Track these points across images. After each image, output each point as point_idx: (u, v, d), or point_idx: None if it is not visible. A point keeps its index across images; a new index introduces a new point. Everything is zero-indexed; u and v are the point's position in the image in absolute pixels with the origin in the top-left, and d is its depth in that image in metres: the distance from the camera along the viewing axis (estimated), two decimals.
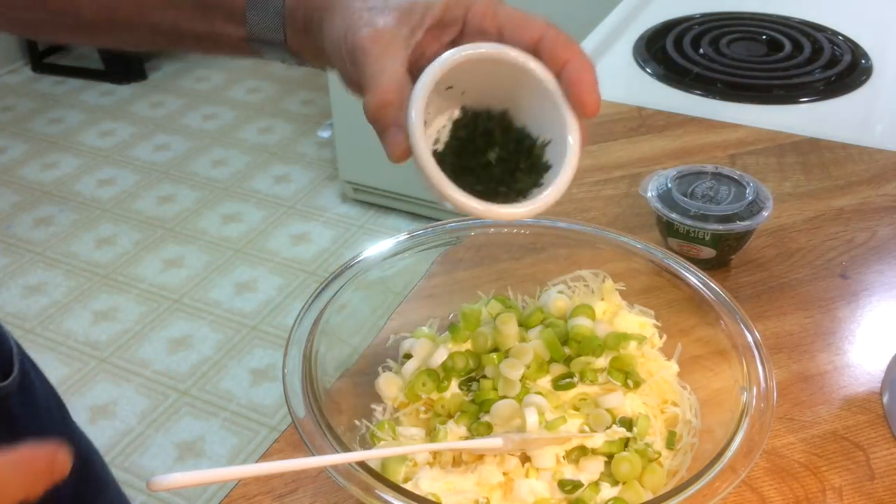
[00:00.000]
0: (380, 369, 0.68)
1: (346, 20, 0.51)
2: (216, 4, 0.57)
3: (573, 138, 0.51)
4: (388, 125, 0.50)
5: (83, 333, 2.29)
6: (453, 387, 0.64)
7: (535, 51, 0.51)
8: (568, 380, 0.63)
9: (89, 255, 2.59)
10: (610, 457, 0.59)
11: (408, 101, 0.49)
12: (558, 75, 0.51)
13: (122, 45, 0.64)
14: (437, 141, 0.53)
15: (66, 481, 0.36)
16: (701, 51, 1.27)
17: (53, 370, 2.17)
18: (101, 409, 2.07)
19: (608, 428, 0.60)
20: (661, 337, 0.69)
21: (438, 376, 0.64)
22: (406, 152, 0.50)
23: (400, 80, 0.50)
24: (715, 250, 0.81)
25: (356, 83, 0.52)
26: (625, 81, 1.23)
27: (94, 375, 2.16)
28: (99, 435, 2.00)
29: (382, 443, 0.60)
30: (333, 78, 2.46)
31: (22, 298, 2.42)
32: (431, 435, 0.61)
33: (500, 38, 0.51)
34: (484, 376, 0.64)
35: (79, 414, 2.04)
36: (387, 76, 0.49)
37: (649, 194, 0.83)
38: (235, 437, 2.00)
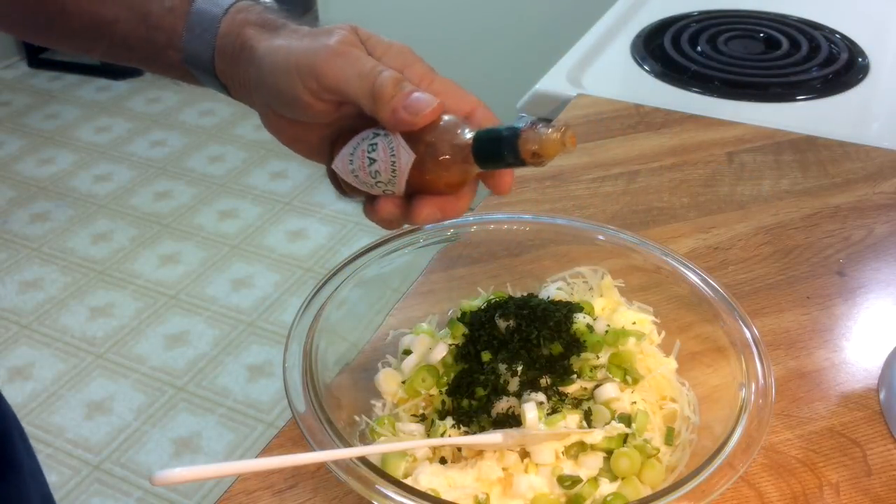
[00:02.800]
0: (379, 365, 0.68)
1: (290, 42, 0.53)
2: (158, 26, 0.58)
3: None
4: (411, 89, 0.51)
5: (79, 329, 2.29)
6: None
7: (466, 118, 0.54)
8: (558, 411, 0.62)
9: (85, 251, 2.58)
10: (609, 453, 0.59)
11: None
12: None
13: (84, 52, 0.65)
14: None
15: None
16: (699, 48, 1.27)
17: (50, 366, 2.17)
18: (97, 404, 2.07)
19: (607, 424, 0.60)
20: (659, 333, 0.69)
21: (438, 372, 0.64)
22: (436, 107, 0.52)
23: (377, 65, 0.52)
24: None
25: (286, 107, 0.54)
26: (622, 79, 1.23)
27: (90, 371, 2.16)
28: (95, 431, 2.01)
29: (382, 438, 0.61)
30: None
31: (18, 294, 2.41)
32: (431, 430, 0.61)
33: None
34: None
35: (75, 410, 2.05)
36: (380, 65, 0.52)
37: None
38: (232, 433, 2.00)
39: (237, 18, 0.56)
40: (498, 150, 0.51)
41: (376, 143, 0.54)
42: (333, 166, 0.57)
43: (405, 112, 0.51)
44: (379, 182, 0.55)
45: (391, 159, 0.54)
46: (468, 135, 0.52)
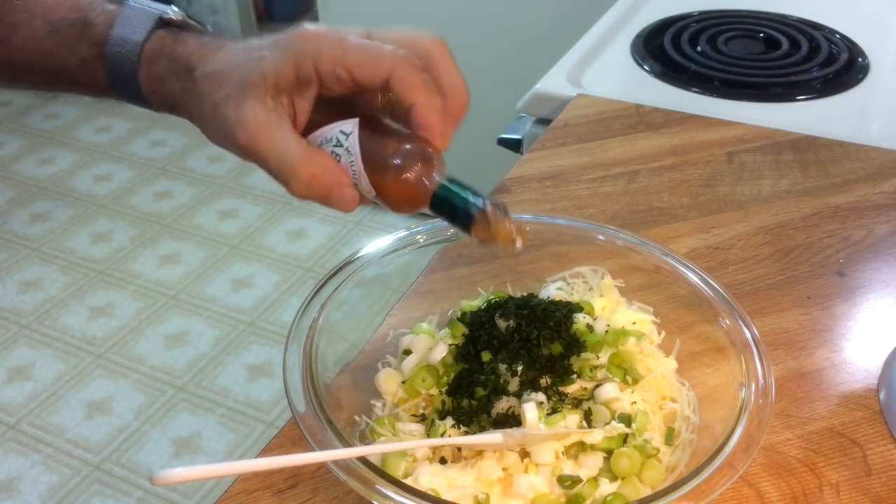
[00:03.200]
0: (379, 365, 0.68)
1: (211, 95, 0.51)
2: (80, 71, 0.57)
3: None
4: (331, 189, 0.51)
5: (79, 329, 2.29)
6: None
7: (385, 86, 0.50)
8: (558, 411, 0.62)
9: (85, 251, 2.58)
10: (609, 452, 0.59)
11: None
12: (406, 120, 0.51)
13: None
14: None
15: None
16: (698, 48, 1.27)
17: (50, 366, 2.17)
18: (97, 405, 2.07)
19: (607, 424, 0.60)
20: (659, 333, 0.69)
21: (438, 372, 0.64)
22: (357, 199, 0.52)
23: (306, 148, 0.51)
24: None
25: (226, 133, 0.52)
26: (622, 79, 1.23)
27: (90, 371, 2.16)
28: (95, 431, 2.01)
29: (382, 438, 0.61)
30: None
31: (18, 294, 2.41)
32: (431, 430, 0.61)
33: (353, 81, 0.50)
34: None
35: (75, 410, 2.05)
36: (293, 152, 0.50)
37: None
38: (232, 433, 2.00)
39: (155, 46, 0.55)
40: (452, 218, 0.51)
41: (337, 138, 0.53)
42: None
43: (334, 208, 0.52)
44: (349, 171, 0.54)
45: (349, 160, 0.52)
46: (433, 179, 0.51)
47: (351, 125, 0.52)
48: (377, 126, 0.53)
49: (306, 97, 0.51)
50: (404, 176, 0.51)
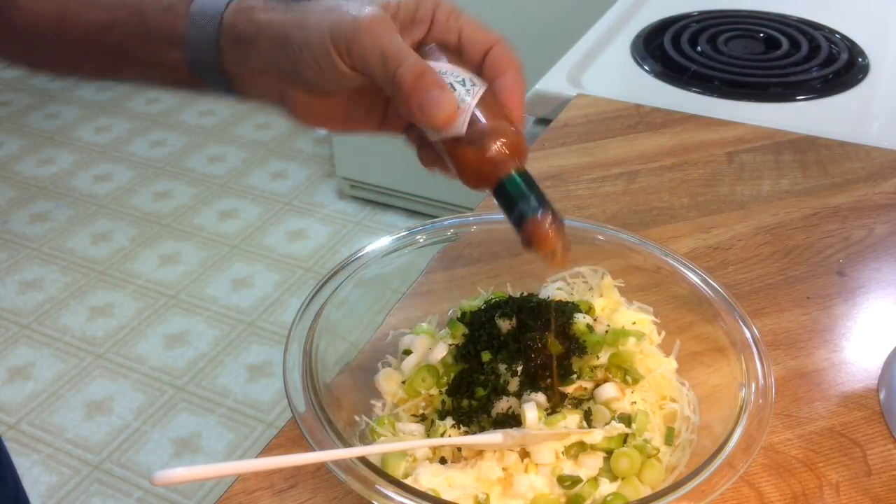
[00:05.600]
0: (379, 365, 0.68)
1: (323, 18, 0.52)
2: (155, 25, 0.57)
3: None
4: (436, 85, 0.51)
5: (79, 329, 2.29)
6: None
7: (483, 57, 0.54)
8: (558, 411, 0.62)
9: (85, 251, 2.58)
10: (609, 453, 0.59)
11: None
12: (492, 81, 0.54)
13: (77, 71, 0.64)
14: None
15: None
16: (698, 48, 1.27)
17: (50, 366, 2.17)
18: (97, 405, 2.07)
19: (607, 424, 0.60)
20: (659, 333, 0.69)
21: (438, 372, 0.64)
22: (455, 113, 0.51)
23: (417, 55, 0.52)
24: None
25: (319, 79, 0.53)
26: (622, 79, 1.23)
27: (90, 371, 2.16)
28: (95, 431, 2.01)
29: (382, 438, 0.61)
30: None
31: (18, 294, 2.41)
32: (431, 430, 0.61)
33: (459, 40, 0.55)
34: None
35: (75, 410, 2.04)
36: (406, 51, 0.51)
37: None
38: (232, 433, 2.00)
39: (243, 6, 0.55)
40: (508, 210, 0.52)
41: (463, 79, 0.53)
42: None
43: (420, 112, 0.50)
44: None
45: (466, 94, 0.52)
46: (510, 165, 0.52)
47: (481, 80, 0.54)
48: (489, 99, 0.54)
49: (411, 37, 0.54)
50: (492, 148, 0.51)
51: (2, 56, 0.64)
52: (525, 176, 0.52)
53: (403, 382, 0.65)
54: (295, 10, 0.54)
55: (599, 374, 0.64)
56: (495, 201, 0.53)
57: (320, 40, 0.51)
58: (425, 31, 0.54)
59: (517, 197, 0.51)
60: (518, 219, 0.51)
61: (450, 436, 0.59)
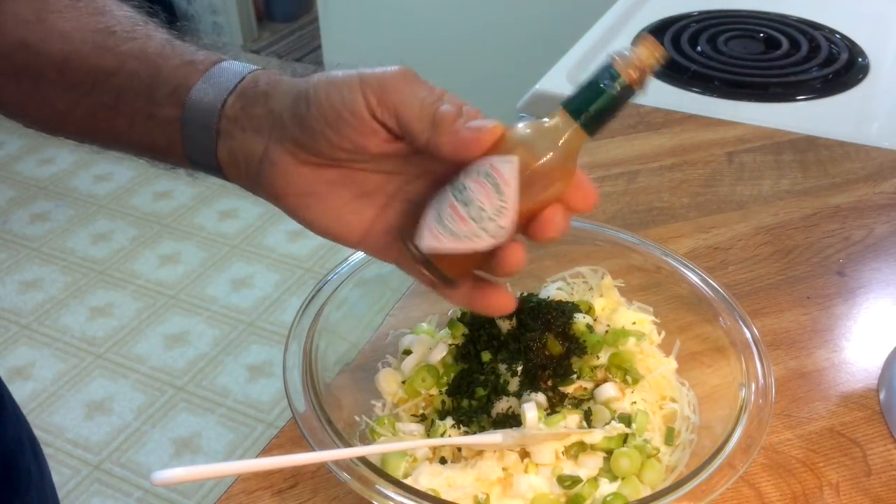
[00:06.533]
0: (379, 365, 0.68)
1: (350, 71, 0.49)
2: (168, 75, 0.53)
3: None
4: (478, 114, 0.48)
5: (80, 329, 2.29)
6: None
7: None
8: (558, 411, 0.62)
9: (85, 251, 2.58)
10: (609, 453, 0.59)
11: None
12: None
13: (64, 119, 0.58)
14: None
15: None
16: (699, 48, 1.27)
17: (50, 366, 2.17)
18: (97, 404, 2.07)
19: (607, 424, 0.60)
20: (659, 333, 0.69)
21: (438, 372, 0.64)
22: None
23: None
24: None
25: (335, 126, 0.48)
26: None
27: (90, 371, 2.16)
28: (95, 431, 2.00)
29: (382, 438, 0.61)
30: None
31: (18, 294, 2.41)
32: (431, 430, 0.61)
33: None
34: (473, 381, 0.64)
35: (75, 410, 2.04)
36: (435, 96, 0.49)
37: None
38: (232, 432, 2.00)
39: (272, 71, 0.53)
40: (603, 88, 0.48)
41: (464, 184, 0.48)
42: (421, 245, 0.49)
43: (467, 130, 0.47)
44: (486, 221, 0.48)
45: (491, 180, 0.47)
46: (549, 118, 0.49)
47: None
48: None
49: None
50: (532, 133, 0.49)
51: None
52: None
53: (403, 382, 0.65)
54: (317, 74, 0.51)
55: (599, 374, 0.64)
56: (592, 125, 0.49)
57: (349, 86, 0.48)
58: None
59: (589, 82, 0.48)
60: (611, 74, 0.48)
61: (450, 436, 0.59)
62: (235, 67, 0.53)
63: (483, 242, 0.48)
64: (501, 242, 0.49)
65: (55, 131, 0.59)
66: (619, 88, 0.47)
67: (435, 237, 0.49)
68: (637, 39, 0.49)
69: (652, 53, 0.47)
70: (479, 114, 0.49)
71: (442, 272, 0.50)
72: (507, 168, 0.47)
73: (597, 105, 0.48)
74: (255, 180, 0.53)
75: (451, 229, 0.48)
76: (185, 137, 0.53)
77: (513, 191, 0.47)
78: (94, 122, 0.56)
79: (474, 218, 0.48)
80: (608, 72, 0.47)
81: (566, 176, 0.49)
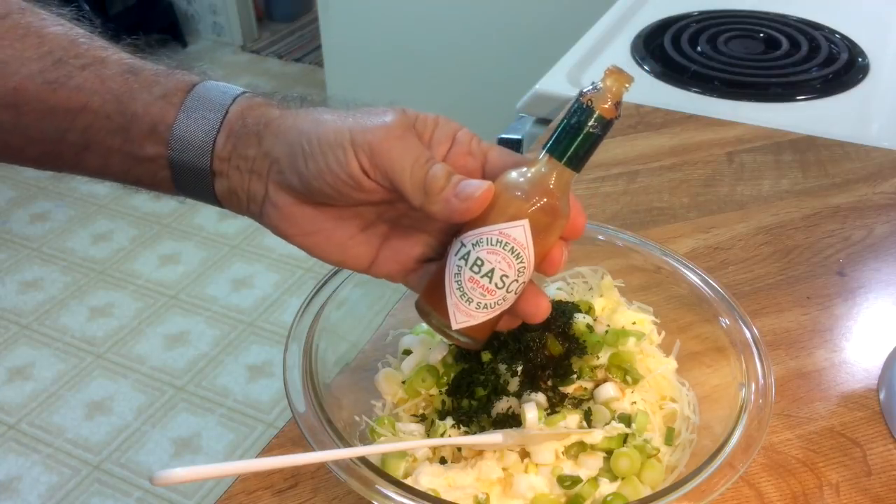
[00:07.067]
0: (379, 365, 0.68)
1: (341, 119, 0.49)
2: (141, 113, 0.50)
3: None
4: (463, 177, 0.49)
5: (80, 329, 2.29)
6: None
7: None
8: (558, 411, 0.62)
9: (85, 251, 2.58)
10: (609, 453, 0.59)
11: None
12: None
13: (23, 158, 0.54)
14: None
15: None
16: (699, 48, 1.27)
17: (50, 366, 2.17)
18: (97, 404, 2.07)
19: (607, 424, 0.60)
20: (659, 333, 0.69)
21: (438, 372, 0.64)
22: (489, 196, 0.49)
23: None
24: None
25: (327, 182, 0.48)
26: None
27: (90, 371, 2.16)
28: (95, 431, 2.00)
29: (382, 438, 0.61)
30: (333, 74, 2.46)
31: (18, 294, 2.41)
32: (431, 430, 0.61)
33: (487, 158, 0.52)
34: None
35: (75, 410, 2.04)
36: (426, 151, 0.49)
37: None
38: (232, 432, 2.00)
39: (254, 102, 0.51)
40: (581, 127, 0.49)
41: (478, 258, 0.50)
42: (456, 327, 0.52)
43: (456, 199, 0.48)
44: (511, 283, 0.51)
45: (507, 247, 0.50)
46: (537, 160, 0.50)
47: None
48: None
49: (433, 154, 0.51)
50: (523, 184, 0.50)
51: None
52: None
53: (403, 382, 0.65)
54: (309, 110, 0.51)
55: (599, 374, 0.64)
56: (575, 161, 0.50)
57: (338, 140, 0.48)
58: (444, 153, 0.51)
59: (564, 124, 0.50)
60: (587, 114, 0.49)
61: (450, 436, 0.59)
62: (211, 94, 0.51)
63: (510, 300, 0.52)
64: (521, 291, 0.52)
65: (14, 163, 0.55)
66: (596, 125, 0.49)
67: (467, 315, 0.52)
68: (604, 72, 0.50)
69: (620, 83, 0.50)
70: (464, 179, 0.49)
71: (474, 339, 0.53)
72: (519, 232, 0.50)
73: (579, 145, 0.50)
74: (259, 218, 0.53)
75: (481, 303, 0.51)
76: (178, 177, 0.52)
77: (530, 250, 0.50)
78: (57, 160, 0.53)
79: (499, 286, 0.50)
80: (583, 110, 0.49)
81: (566, 213, 0.51)
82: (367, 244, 0.54)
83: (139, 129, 0.51)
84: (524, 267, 0.50)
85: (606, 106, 0.49)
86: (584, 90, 0.50)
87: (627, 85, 0.50)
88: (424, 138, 0.51)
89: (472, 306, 0.51)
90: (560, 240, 0.52)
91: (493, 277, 0.50)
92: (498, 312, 0.52)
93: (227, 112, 0.51)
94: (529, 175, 0.50)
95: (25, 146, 0.53)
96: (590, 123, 0.49)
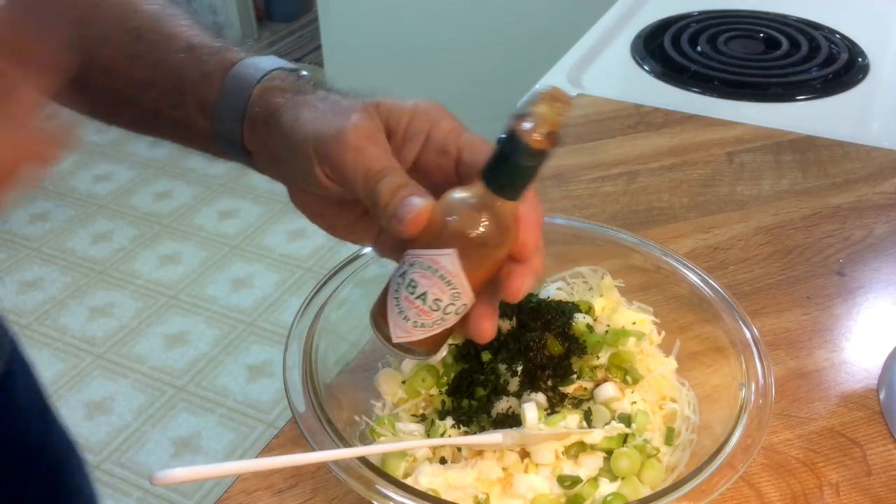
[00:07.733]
0: (379, 365, 0.68)
1: (313, 119, 0.50)
2: (191, 89, 0.56)
3: None
4: (408, 194, 0.48)
5: (79, 329, 2.29)
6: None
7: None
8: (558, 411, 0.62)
9: (85, 251, 2.58)
10: (609, 453, 0.59)
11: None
12: None
13: (117, 120, 0.63)
14: None
15: (28, 486, 0.35)
16: (699, 48, 1.27)
17: (50, 366, 2.17)
18: (97, 404, 2.07)
19: (607, 424, 0.60)
20: (659, 333, 0.69)
21: (438, 372, 0.64)
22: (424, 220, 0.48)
23: (394, 162, 0.49)
24: None
25: (307, 184, 0.52)
26: (623, 79, 1.23)
27: (90, 371, 2.16)
28: (95, 431, 2.00)
29: (382, 438, 0.61)
30: (333, 74, 2.46)
31: (18, 294, 2.41)
32: (431, 430, 0.61)
33: (459, 158, 0.50)
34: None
35: (75, 410, 2.04)
36: (390, 164, 0.49)
37: None
38: (232, 432, 2.00)
39: (268, 86, 0.54)
40: (509, 158, 0.46)
41: (412, 279, 0.49)
42: (396, 341, 0.51)
43: (394, 218, 0.47)
44: (447, 307, 0.49)
45: (436, 273, 0.48)
46: (473, 187, 0.47)
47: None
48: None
49: (403, 153, 0.51)
50: (457, 208, 0.48)
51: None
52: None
53: (403, 382, 0.65)
54: (306, 99, 0.52)
55: (599, 374, 0.64)
56: (510, 192, 0.47)
57: (303, 149, 0.50)
58: (418, 148, 0.51)
59: (496, 151, 0.47)
60: (518, 142, 0.45)
61: (450, 436, 0.59)
62: (241, 76, 0.55)
63: (451, 320, 0.50)
64: (468, 310, 0.50)
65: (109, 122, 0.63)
66: (529, 157, 0.45)
67: (406, 331, 0.50)
68: (538, 96, 0.45)
69: (555, 109, 0.45)
70: (418, 189, 0.49)
71: (421, 351, 0.52)
72: (448, 261, 0.47)
73: (511, 177, 0.46)
74: (288, 194, 0.58)
75: (417, 322, 0.50)
76: (227, 150, 0.58)
77: (460, 277, 0.48)
78: (144, 126, 0.62)
79: (434, 308, 0.49)
80: (515, 143, 0.45)
81: (507, 239, 0.48)
82: (368, 230, 0.56)
83: (191, 104, 0.56)
84: (458, 293, 0.48)
85: (538, 137, 0.44)
86: (519, 111, 0.45)
87: (564, 109, 0.45)
88: (398, 134, 0.51)
89: (410, 324, 0.50)
90: (517, 264, 0.49)
91: (426, 300, 0.48)
92: (439, 331, 0.50)
93: (250, 96, 0.54)
94: (466, 199, 0.47)
95: (119, 111, 0.61)
96: (519, 156, 0.45)
